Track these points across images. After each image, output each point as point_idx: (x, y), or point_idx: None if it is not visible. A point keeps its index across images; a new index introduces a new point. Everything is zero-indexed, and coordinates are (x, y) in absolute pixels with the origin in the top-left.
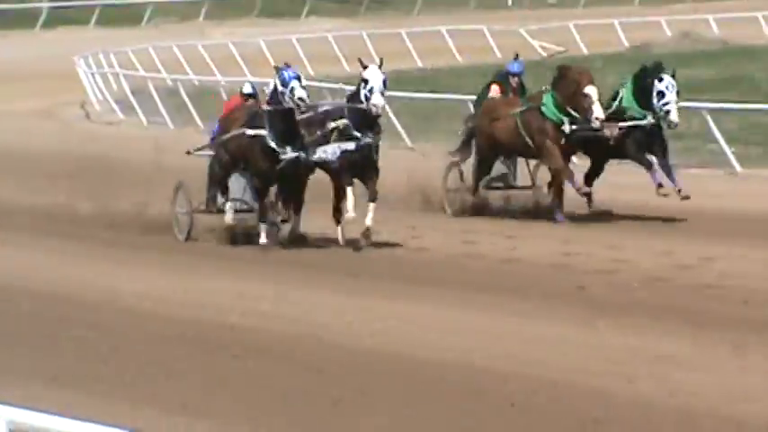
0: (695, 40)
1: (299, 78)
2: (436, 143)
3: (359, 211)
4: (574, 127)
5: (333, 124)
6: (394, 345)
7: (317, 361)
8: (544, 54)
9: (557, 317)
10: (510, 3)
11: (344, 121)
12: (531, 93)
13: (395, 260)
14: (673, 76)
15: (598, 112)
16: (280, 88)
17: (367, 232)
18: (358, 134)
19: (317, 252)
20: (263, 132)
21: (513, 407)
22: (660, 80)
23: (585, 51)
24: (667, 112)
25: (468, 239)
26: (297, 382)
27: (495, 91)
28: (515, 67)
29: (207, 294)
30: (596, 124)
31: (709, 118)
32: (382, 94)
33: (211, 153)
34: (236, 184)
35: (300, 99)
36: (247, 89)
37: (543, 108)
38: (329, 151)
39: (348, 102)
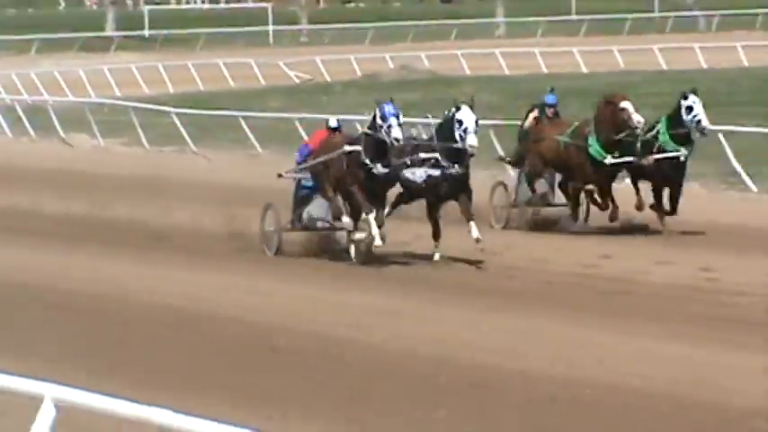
0: (411, 71)
1: (397, 116)
2: (216, 149)
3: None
4: (615, 161)
5: (424, 155)
6: (196, 303)
7: (122, 316)
8: (297, 81)
9: (316, 284)
10: (272, 41)
11: (436, 155)
12: (576, 124)
13: (219, 240)
14: (695, 93)
15: (637, 118)
16: (378, 121)
17: (477, 243)
18: (445, 165)
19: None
20: (358, 148)
21: (275, 352)
22: (686, 98)
23: (329, 79)
24: (698, 122)
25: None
26: (106, 334)
27: (531, 117)
28: (551, 99)
29: (30, 263)
30: (639, 128)
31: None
32: (475, 133)
33: (298, 176)
34: (318, 204)
35: (396, 139)
36: (333, 123)
37: (590, 149)
38: (417, 174)
39: (437, 134)
